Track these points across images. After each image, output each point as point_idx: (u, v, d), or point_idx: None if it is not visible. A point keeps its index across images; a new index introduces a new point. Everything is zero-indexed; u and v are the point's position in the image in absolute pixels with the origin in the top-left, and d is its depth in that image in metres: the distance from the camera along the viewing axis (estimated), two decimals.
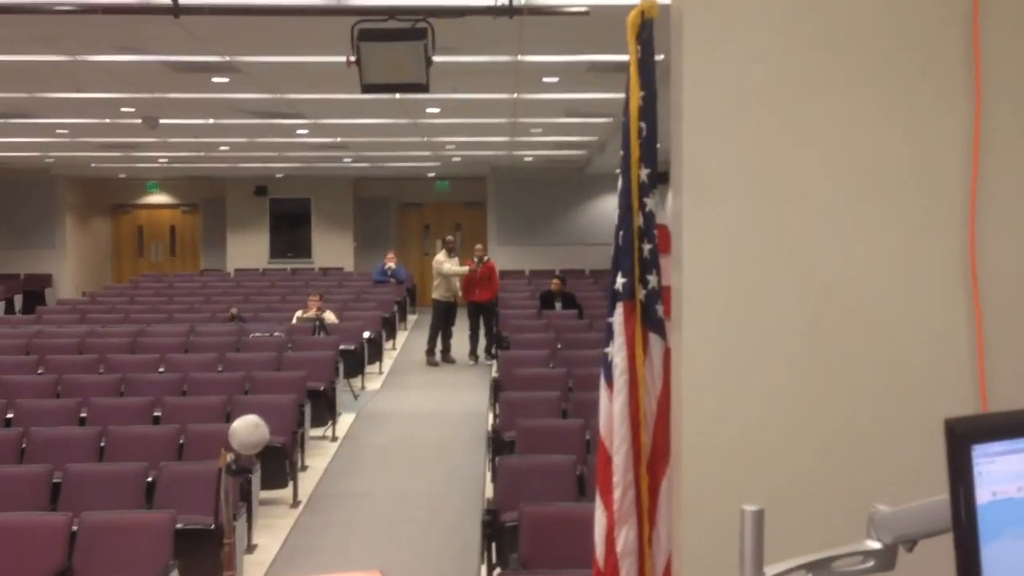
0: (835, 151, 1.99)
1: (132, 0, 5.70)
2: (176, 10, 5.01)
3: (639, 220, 2.28)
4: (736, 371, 2.00)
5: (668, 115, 2.13)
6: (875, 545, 1.44)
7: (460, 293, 13.36)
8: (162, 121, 11.24)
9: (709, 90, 1.99)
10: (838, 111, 1.99)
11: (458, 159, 17.24)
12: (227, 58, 7.70)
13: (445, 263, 13.36)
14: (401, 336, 15.77)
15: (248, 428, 2.77)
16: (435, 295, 13.39)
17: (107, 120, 11.49)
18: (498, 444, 7.04)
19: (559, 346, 10.11)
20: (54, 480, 5.84)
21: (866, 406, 1.96)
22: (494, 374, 10.20)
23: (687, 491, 2.03)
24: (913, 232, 1.98)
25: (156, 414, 7.47)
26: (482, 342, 13.35)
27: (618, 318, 2.29)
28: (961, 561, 1.09)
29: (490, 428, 8.19)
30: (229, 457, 2.83)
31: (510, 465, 5.94)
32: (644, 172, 2.28)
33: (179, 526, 5.00)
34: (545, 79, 8.76)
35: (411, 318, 17.62)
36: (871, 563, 1.45)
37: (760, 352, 2.00)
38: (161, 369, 9.12)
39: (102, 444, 6.66)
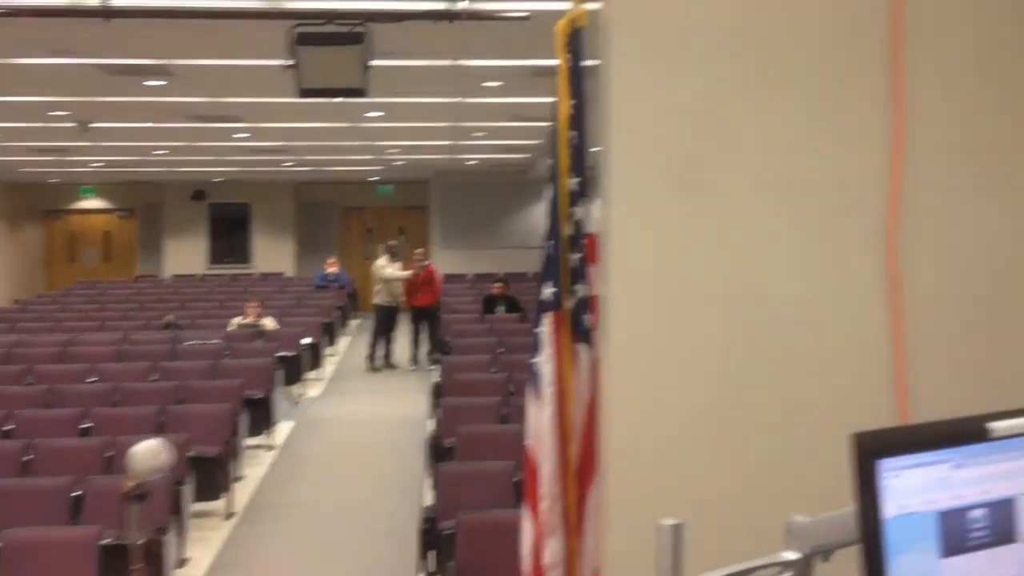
0: (759, 160, 2.01)
1: (62, 2, 5.55)
2: (106, 13, 4.89)
3: (568, 229, 2.28)
4: (661, 381, 2.01)
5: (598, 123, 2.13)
6: (792, 556, 1.44)
7: (402, 297, 13.28)
8: (95, 125, 10.98)
9: (636, 99, 1.99)
10: (762, 120, 2.01)
11: (401, 163, 17.16)
12: (161, 61, 7.55)
13: (386, 267, 13.26)
14: (343, 341, 15.62)
15: (149, 453, 2.69)
16: (376, 300, 13.29)
17: (37, 124, 11.20)
18: (438, 451, 7.00)
19: (501, 350, 10.09)
20: None
21: (789, 416, 1.98)
22: (435, 379, 10.16)
23: (613, 502, 2.02)
24: (835, 240, 2.00)
25: (85, 426, 7.28)
26: (424, 347, 13.28)
27: (546, 328, 2.28)
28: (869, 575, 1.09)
29: (430, 434, 8.14)
30: (130, 483, 2.75)
31: (449, 472, 5.91)
32: (573, 181, 2.27)
33: (105, 542, 4.86)
34: (487, 83, 8.75)
35: (353, 323, 17.46)
36: (788, 574, 1.45)
37: (685, 362, 2.01)
38: (92, 379, 8.89)
39: (27, 458, 6.46)
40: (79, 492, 5.66)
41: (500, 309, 12.99)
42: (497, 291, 13.26)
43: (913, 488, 1.10)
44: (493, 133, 12.72)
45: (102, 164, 16.80)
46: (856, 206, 2.00)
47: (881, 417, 1.93)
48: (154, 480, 2.69)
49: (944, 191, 2.01)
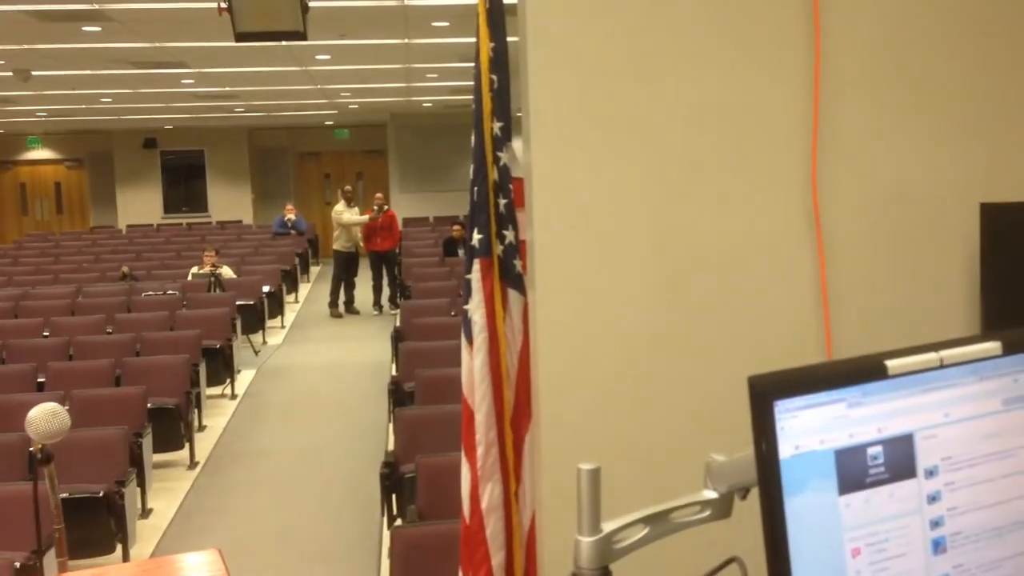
0: (681, 96, 1.99)
1: None
2: None
3: (494, 174, 2.25)
4: (588, 325, 2.01)
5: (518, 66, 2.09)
6: (711, 495, 1.45)
7: (361, 243, 13.19)
8: (35, 73, 10.66)
9: (554, 39, 1.96)
10: (683, 57, 1.98)
11: (355, 106, 16.89)
12: (96, 6, 7.31)
13: (344, 213, 13.15)
14: (304, 288, 15.53)
15: (45, 416, 2.66)
16: (336, 246, 13.20)
17: None
18: (399, 395, 7.02)
19: (461, 294, 10.09)
20: None
21: (716, 355, 2.00)
22: (396, 324, 10.14)
23: (545, 446, 2.04)
24: (759, 177, 1.99)
25: (40, 380, 7.21)
26: (386, 292, 13.25)
27: (476, 275, 2.27)
28: (767, 515, 1.11)
29: (391, 379, 8.16)
30: (36, 447, 2.73)
31: (408, 416, 5.93)
32: (497, 125, 2.24)
33: (63, 496, 4.84)
34: (435, 23, 8.60)
35: (314, 270, 17.35)
36: (707, 512, 1.47)
37: (612, 304, 2.01)
38: (46, 333, 8.78)
39: None
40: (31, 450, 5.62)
41: (460, 252, 12.97)
42: (456, 234, 13.22)
43: (810, 428, 1.11)
44: (445, 74, 12.54)
45: (47, 113, 16.37)
46: (779, 141, 1.99)
47: (808, 353, 1.95)
48: (55, 442, 2.67)
49: (864, 125, 2.01)
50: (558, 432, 2.02)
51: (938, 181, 2.02)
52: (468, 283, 2.31)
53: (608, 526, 1.45)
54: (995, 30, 2.02)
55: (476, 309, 2.28)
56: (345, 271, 13.16)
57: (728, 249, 2.01)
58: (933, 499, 1.17)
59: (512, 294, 2.30)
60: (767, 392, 1.09)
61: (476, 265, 2.29)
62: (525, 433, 2.28)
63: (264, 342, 11.45)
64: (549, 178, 2.00)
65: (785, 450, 1.09)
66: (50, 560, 4.22)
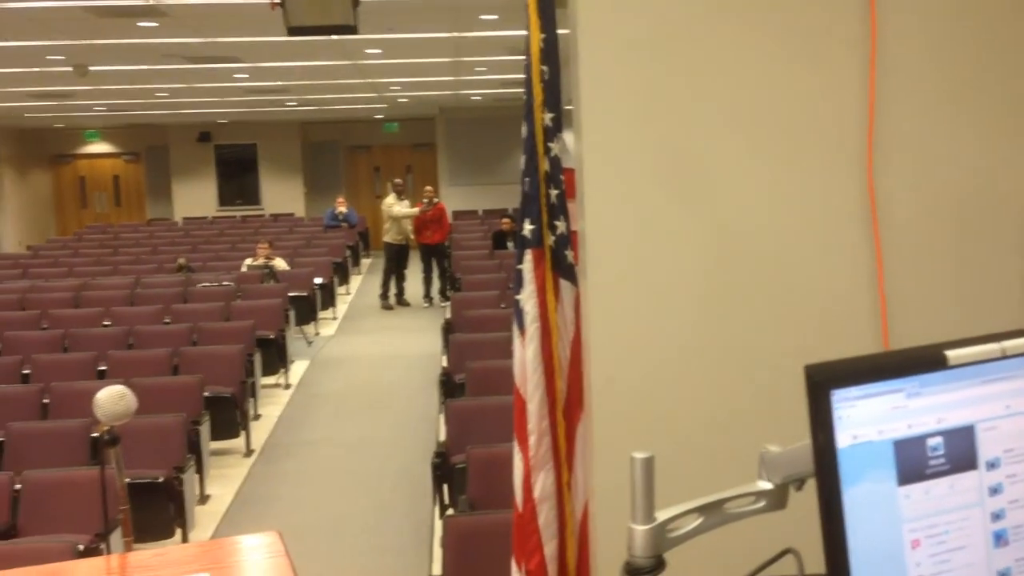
0: (733, 92, 1.98)
1: None
2: None
3: (545, 165, 2.26)
4: (640, 315, 2.01)
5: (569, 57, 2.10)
6: (766, 485, 1.45)
7: (412, 236, 13.28)
8: (93, 68, 10.90)
9: (605, 32, 1.95)
10: (735, 50, 1.97)
11: (405, 100, 16.99)
12: (152, 2, 7.46)
13: (395, 205, 13.24)
14: (355, 280, 15.69)
15: (112, 399, 2.74)
16: (386, 238, 13.29)
17: (36, 69, 11.13)
18: (449, 387, 7.07)
19: (510, 286, 10.11)
20: None
21: (769, 347, 1.98)
22: (446, 316, 10.21)
23: (598, 435, 2.04)
24: (812, 174, 1.98)
25: (101, 368, 7.39)
26: (436, 284, 13.32)
27: (528, 265, 2.28)
28: (824, 505, 1.10)
29: (442, 370, 8.22)
30: (102, 428, 2.81)
31: (459, 407, 5.97)
32: (548, 116, 2.24)
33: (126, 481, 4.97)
34: (484, 16, 8.61)
35: (365, 262, 17.51)
36: (762, 503, 1.46)
37: (664, 296, 2.01)
38: (106, 323, 8.99)
39: (45, 401, 6.58)
40: (97, 433, 5.77)
41: (509, 245, 12.98)
42: (506, 227, 13.23)
43: (868, 418, 1.10)
44: (494, 67, 12.55)
45: (105, 108, 16.73)
46: (833, 136, 1.97)
47: (863, 345, 1.93)
48: (121, 424, 2.75)
49: (920, 122, 1.97)
50: (610, 422, 2.02)
51: (995, 177, 1.98)
52: (520, 273, 2.32)
53: (662, 515, 1.45)
54: None
55: (528, 299, 2.29)
56: (396, 263, 13.26)
57: (783, 241, 1.99)
58: (995, 491, 1.16)
59: (564, 284, 2.30)
60: (824, 381, 1.08)
61: (528, 255, 2.30)
62: (577, 423, 2.29)
63: (317, 333, 11.60)
64: (600, 169, 2.01)
65: (843, 440, 1.08)
66: (115, 541, 4.34)
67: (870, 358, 1.15)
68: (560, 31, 2.31)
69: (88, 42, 9.25)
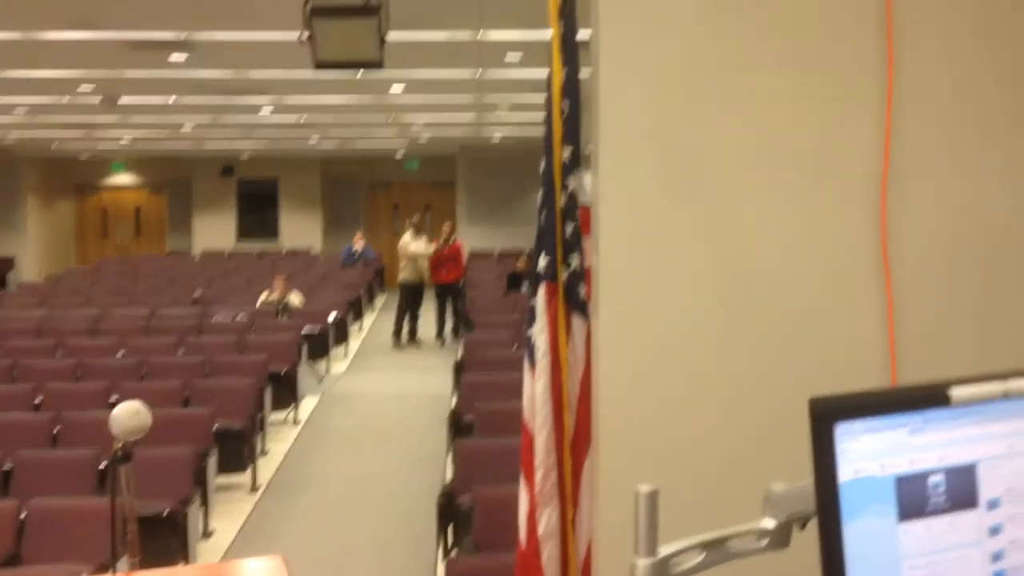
0: (749, 130, 2.01)
1: None
2: None
3: (561, 200, 2.29)
4: (651, 352, 2.02)
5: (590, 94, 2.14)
6: (769, 524, 1.45)
7: (427, 274, 13.34)
8: (122, 100, 11.11)
9: (626, 71, 2.00)
10: (754, 94, 2.01)
11: (426, 138, 17.18)
12: (183, 35, 7.63)
13: (411, 244, 13.32)
14: (369, 318, 15.75)
15: (128, 414, 2.80)
16: (401, 277, 13.36)
17: (66, 99, 11.36)
18: (458, 426, 7.06)
19: (527, 320, 10.12)
20: (5, 468, 5.81)
21: (778, 383, 1.99)
22: (458, 356, 10.22)
23: (604, 472, 2.05)
24: (826, 216, 2.00)
25: (113, 399, 7.43)
26: (449, 323, 13.35)
27: (540, 299, 2.30)
28: (824, 538, 1.11)
29: (451, 410, 8.22)
30: (116, 445, 2.85)
31: (467, 447, 5.97)
32: (567, 152, 2.28)
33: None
34: (508, 56, 8.74)
35: (379, 299, 17.59)
36: (765, 541, 1.46)
37: (675, 333, 2.02)
38: (120, 353, 9.06)
39: (56, 430, 6.61)
40: (104, 465, 5.79)
41: (524, 286, 13.02)
42: (520, 267, 13.28)
43: (870, 452, 1.11)
44: (516, 107, 12.70)
45: (131, 139, 17.00)
46: (846, 176, 2.00)
47: (872, 381, 1.93)
48: (135, 440, 2.80)
49: (933, 161, 2.00)
50: (617, 459, 2.03)
51: (1010, 213, 2.00)
52: (533, 308, 2.35)
53: (665, 549, 1.46)
54: None
55: (540, 333, 2.31)
56: (410, 302, 13.31)
57: (793, 279, 2.01)
58: (995, 531, 1.16)
59: (576, 320, 2.33)
60: (828, 414, 1.09)
61: (541, 289, 2.32)
62: (584, 459, 2.29)
63: (328, 370, 11.62)
64: (616, 206, 2.04)
65: (845, 473, 1.09)
66: (122, 567, 4.33)
67: (874, 393, 1.16)
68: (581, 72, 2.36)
69: (119, 73, 9.45)
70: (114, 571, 3.54)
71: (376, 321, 15.73)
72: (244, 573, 2.15)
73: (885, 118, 1.96)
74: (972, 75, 2.00)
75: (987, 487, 1.16)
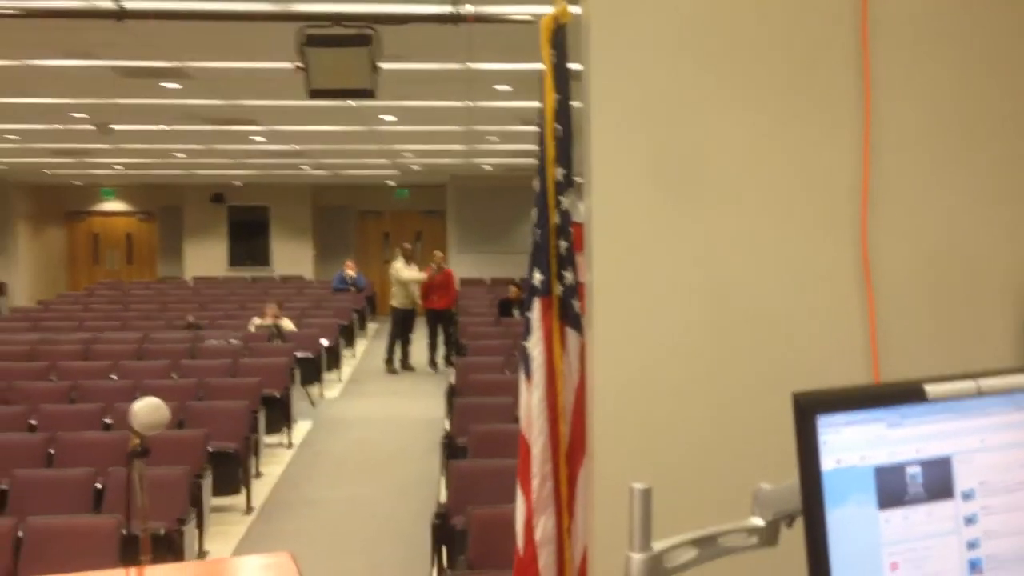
0: (734, 152, 2.09)
1: (75, 4, 5.71)
2: (120, 15, 5.04)
3: (555, 218, 2.37)
4: (642, 363, 2.09)
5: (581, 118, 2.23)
6: (758, 522, 1.51)
7: (419, 300, 13.40)
8: (114, 127, 11.19)
9: (614, 95, 2.08)
10: (736, 118, 2.10)
11: (417, 167, 17.31)
12: (176, 63, 7.71)
13: (403, 270, 13.39)
14: (361, 344, 15.77)
15: (148, 409, 2.91)
16: (393, 303, 13.42)
17: (58, 126, 11.43)
18: (452, 449, 7.10)
19: (515, 353, 10.20)
20: (1, 487, 5.82)
21: (765, 395, 2.06)
22: (451, 381, 10.27)
23: (599, 479, 2.11)
24: (807, 233, 2.08)
25: (108, 421, 7.44)
26: (441, 350, 13.40)
27: (536, 313, 2.38)
28: (809, 525, 1.18)
29: (444, 433, 8.25)
30: (135, 440, 2.93)
31: (461, 469, 6.00)
32: (559, 171, 2.37)
33: (123, 532, 4.99)
34: (497, 87, 8.86)
35: (371, 326, 17.62)
36: (755, 539, 1.53)
37: (665, 345, 2.09)
38: (113, 376, 9.07)
39: (51, 451, 6.62)
40: (100, 484, 5.81)
41: (516, 312, 13.09)
42: (513, 295, 13.36)
43: (851, 444, 1.18)
44: (506, 137, 12.83)
45: (123, 166, 17.06)
46: (828, 198, 2.08)
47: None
48: (153, 435, 2.89)
49: (912, 180, 2.08)
50: (611, 466, 2.09)
51: (988, 235, 2.09)
52: (528, 321, 2.42)
53: (658, 545, 1.52)
54: None
55: (535, 346, 2.38)
56: (402, 328, 13.35)
57: (779, 293, 2.08)
58: (969, 521, 1.23)
59: (570, 333, 2.40)
60: (810, 406, 1.17)
61: (537, 304, 2.40)
62: (579, 468, 2.36)
63: (321, 395, 11.64)
64: (608, 224, 2.11)
65: (827, 463, 1.16)
66: None
67: (855, 388, 1.23)
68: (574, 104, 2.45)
69: (112, 101, 9.52)
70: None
71: (369, 348, 15.75)
72: (253, 567, 2.20)
73: (863, 137, 2.04)
74: (945, 100, 2.09)
75: (962, 479, 1.23)
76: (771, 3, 2.09)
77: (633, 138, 2.08)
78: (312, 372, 11.21)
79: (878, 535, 1.19)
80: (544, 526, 2.34)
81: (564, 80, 2.39)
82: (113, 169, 17.53)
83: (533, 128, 2.50)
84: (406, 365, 13.38)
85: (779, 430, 1.98)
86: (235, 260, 20.55)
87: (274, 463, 8.66)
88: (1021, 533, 1.26)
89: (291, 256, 20.44)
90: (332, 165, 16.98)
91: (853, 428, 1.18)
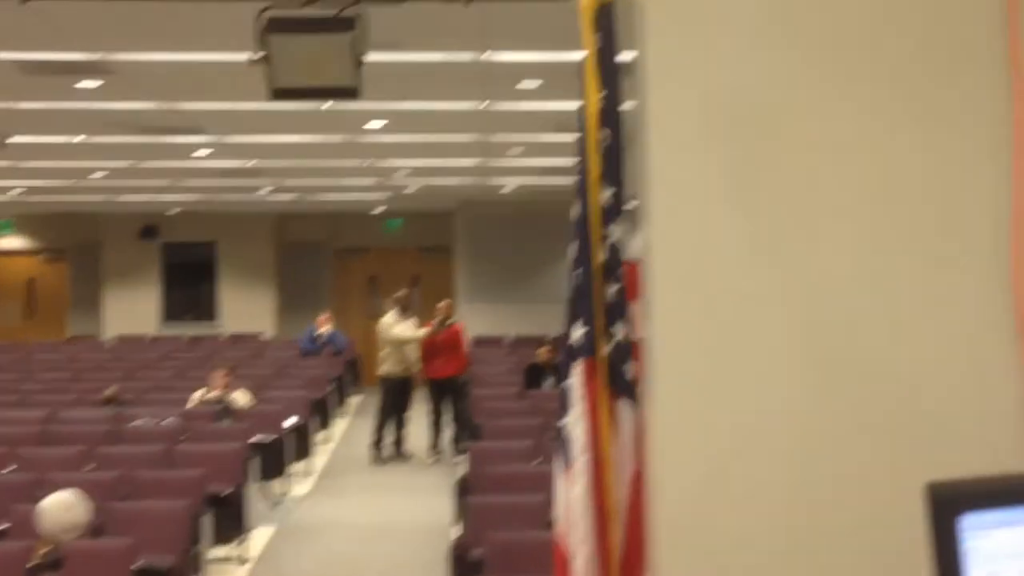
0: (839, 170, 2.11)
1: None
2: None
3: (601, 255, 2.39)
4: (724, 448, 2.09)
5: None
6: None
7: (416, 366, 13.39)
8: (12, 139, 11.34)
9: (680, 94, 2.11)
10: (840, 123, 2.11)
11: (414, 190, 17.41)
12: (97, 56, 7.83)
13: (395, 326, 13.40)
14: (339, 424, 15.79)
15: (59, 508, 2.89)
16: (383, 369, 13.41)
17: None
18: (463, 566, 7.07)
19: (549, 435, 10.17)
20: None
21: (886, 486, 2.06)
22: (461, 473, 10.24)
23: None
24: (937, 265, 2.09)
25: (2, 528, 7.45)
26: (448, 432, 13.38)
27: (576, 380, 2.38)
28: None
29: (453, 544, 8.21)
30: (42, 548, 2.93)
31: None
32: (607, 194, 2.39)
33: None
34: (523, 84, 8.92)
35: (353, 400, 17.65)
36: None
37: (753, 422, 2.09)
38: (10, 468, 9.11)
39: None
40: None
41: (547, 382, 13.03)
42: (543, 359, 13.32)
43: (1007, 552, 1.18)
44: (532, 149, 12.89)
45: (23, 190, 17.26)
46: (964, 219, 2.09)
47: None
48: (68, 540, 2.87)
49: None
50: None
51: None
52: (565, 392, 2.43)
53: None
54: None
55: (576, 424, 2.39)
56: (394, 402, 13.34)
57: (902, 347, 2.09)
58: None
59: (623, 405, 2.40)
60: (952, 502, 1.17)
61: (577, 368, 2.41)
62: None
63: (285, 492, 11.64)
64: (672, 262, 2.13)
65: None
66: None
67: (1011, 477, 1.24)
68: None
69: (10, 105, 9.66)
70: None
71: (349, 428, 15.76)
72: None
73: (1012, 151, 2.06)
74: None
75: None
76: None
77: (705, 148, 2.10)
78: (274, 462, 11.21)
79: None
80: None
81: (612, 74, 2.42)
82: (10, 194, 17.75)
83: (570, 136, 2.53)
84: (400, 452, 13.36)
85: (911, 532, 1.96)
86: (171, 314, 20.67)
87: None
88: None
89: (245, 308, 20.55)
90: (301, 187, 17.12)
91: (1011, 530, 1.18)
